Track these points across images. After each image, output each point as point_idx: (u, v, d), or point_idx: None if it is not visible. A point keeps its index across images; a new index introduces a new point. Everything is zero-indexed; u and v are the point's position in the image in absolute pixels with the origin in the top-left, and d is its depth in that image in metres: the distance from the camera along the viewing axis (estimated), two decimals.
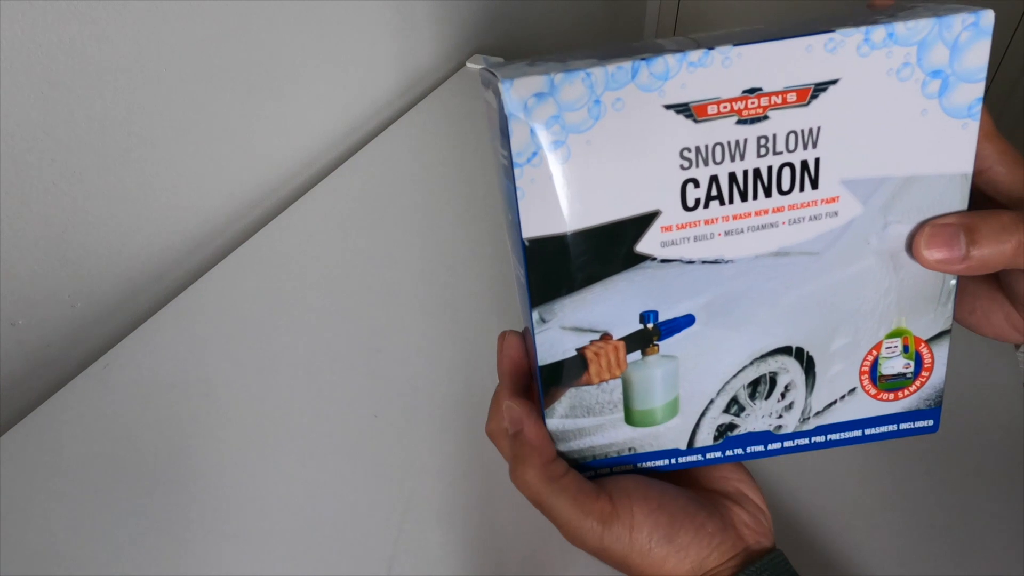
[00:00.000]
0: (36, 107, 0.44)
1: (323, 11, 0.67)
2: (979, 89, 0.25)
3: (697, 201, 0.26)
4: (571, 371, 0.29)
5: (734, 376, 0.29)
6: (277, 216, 0.63)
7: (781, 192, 0.26)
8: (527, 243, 0.26)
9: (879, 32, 0.24)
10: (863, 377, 0.30)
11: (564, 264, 0.26)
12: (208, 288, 0.55)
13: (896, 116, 0.25)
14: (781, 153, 0.25)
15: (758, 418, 0.30)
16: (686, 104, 0.25)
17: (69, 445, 0.43)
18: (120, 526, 0.38)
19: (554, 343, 0.28)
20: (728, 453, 0.31)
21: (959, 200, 0.26)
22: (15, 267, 0.45)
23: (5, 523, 0.38)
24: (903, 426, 0.31)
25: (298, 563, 0.37)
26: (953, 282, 0.28)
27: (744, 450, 0.31)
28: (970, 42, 0.24)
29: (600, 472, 0.31)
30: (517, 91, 0.24)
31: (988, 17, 0.24)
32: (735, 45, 0.24)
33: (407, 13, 0.80)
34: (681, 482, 0.31)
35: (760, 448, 0.31)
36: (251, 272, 0.57)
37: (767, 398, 0.30)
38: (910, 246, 0.27)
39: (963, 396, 0.43)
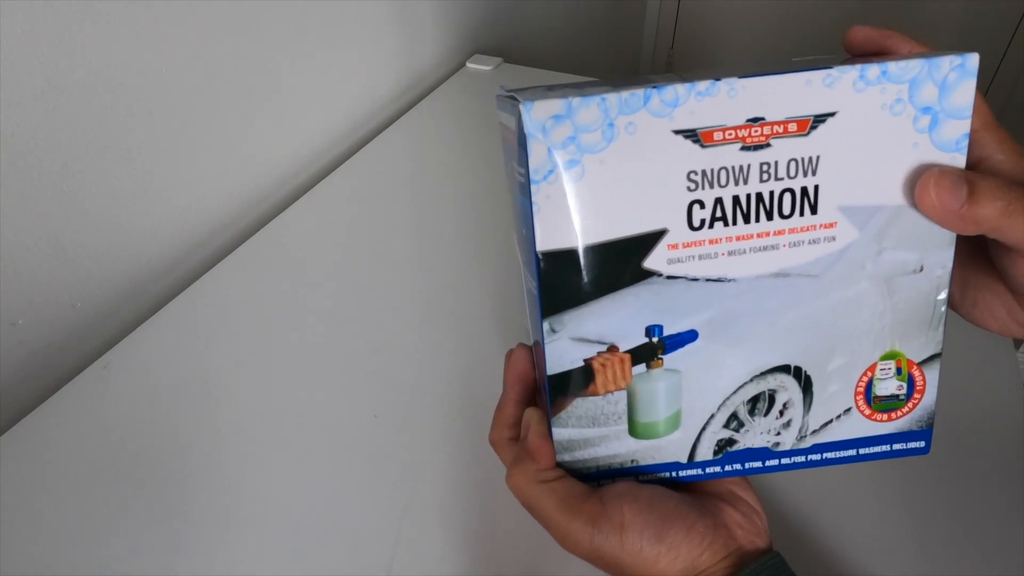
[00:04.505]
0: (36, 107, 0.44)
1: (324, 11, 0.67)
2: (966, 125, 0.26)
3: (702, 221, 0.27)
4: (578, 381, 0.29)
5: (734, 392, 0.30)
6: (277, 216, 0.64)
7: (782, 216, 0.27)
8: (540, 256, 0.27)
9: (873, 70, 0.26)
10: (858, 397, 0.31)
11: (575, 277, 0.28)
12: (208, 288, 0.55)
13: (890, 148, 0.27)
14: (782, 179, 0.27)
15: (757, 434, 0.31)
16: (694, 130, 0.26)
17: (69, 445, 0.43)
18: (120, 526, 0.38)
19: (563, 353, 0.29)
20: (727, 468, 0.32)
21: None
22: (15, 267, 0.45)
23: (5, 523, 0.38)
24: (896, 446, 0.32)
25: (298, 563, 0.37)
26: (943, 309, 0.29)
27: (743, 465, 0.32)
28: (957, 82, 0.26)
29: (603, 483, 0.31)
30: (536, 113, 0.25)
31: (973, 60, 0.26)
32: (740, 77, 0.25)
33: (408, 13, 0.80)
34: (674, 484, 0.32)
35: (758, 464, 0.32)
36: (251, 272, 0.57)
37: (766, 415, 0.31)
38: (910, 198, 0.27)
39: (963, 396, 0.43)
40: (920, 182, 0.27)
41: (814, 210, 0.27)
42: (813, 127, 0.26)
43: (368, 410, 0.45)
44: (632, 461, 0.31)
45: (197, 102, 0.56)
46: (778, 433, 0.31)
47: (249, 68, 0.60)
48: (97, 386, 0.47)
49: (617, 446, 0.31)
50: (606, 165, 0.26)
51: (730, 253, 0.28)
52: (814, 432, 0.31)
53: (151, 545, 0.38)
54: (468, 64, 0.93)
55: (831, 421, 0.31)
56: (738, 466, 0.32)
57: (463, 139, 0.76)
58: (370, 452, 0.43)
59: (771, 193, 0.27)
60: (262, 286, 0.56)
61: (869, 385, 0.30)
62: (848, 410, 0.31)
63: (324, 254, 0.59)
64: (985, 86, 1.63)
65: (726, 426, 0.31)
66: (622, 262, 0.27)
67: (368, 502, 0.40)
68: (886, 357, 0.30)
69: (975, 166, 0.28)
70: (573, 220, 0.27)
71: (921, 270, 0.28)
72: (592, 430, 0.30)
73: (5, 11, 0.41)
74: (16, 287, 0.46)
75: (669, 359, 0.29)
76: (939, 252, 0.28)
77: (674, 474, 0.32)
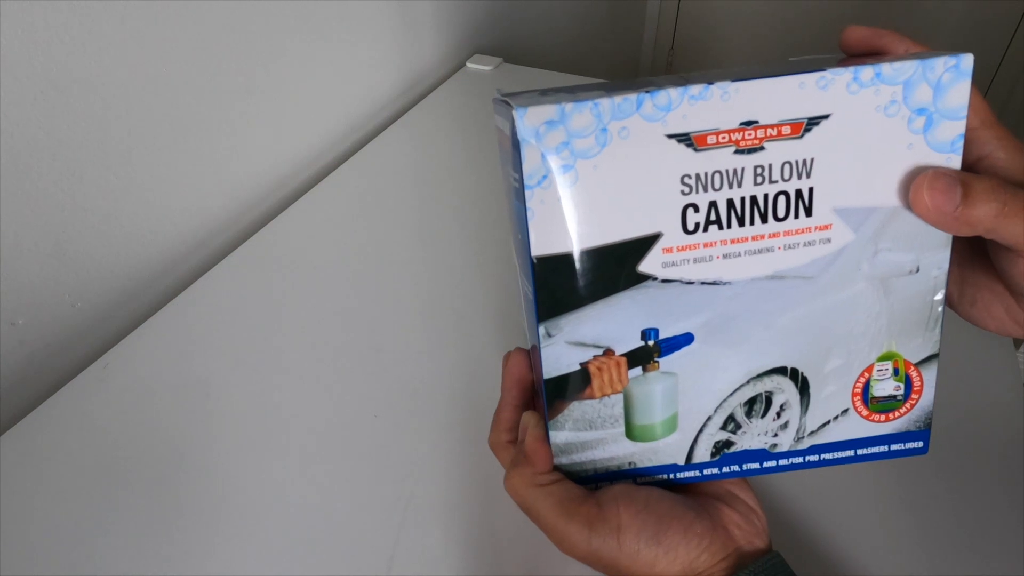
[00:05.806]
0: (36, 107, 0.44)
1: (324, 11, 0.67)
2: (961, 126, 0.26)
3: (697, 225, 0.27)
4: (575, 385, 0.29)
5: (731, 394, 0.30)
6: (277, 216, 0.64)
7: (776, 219, 0.27)
8: (535, 261, 0.27)
9: (867, 72, 0.26)
10: (855, 398, 0.31)
11: (570, 281, 0.28)
12: (208, 288, 0.55)
13: (884, 150, 0.26)
14: (776, 182, 0.27)
15: (754, 436, 0.31)
16: (687, 134, 0.26)
17: (69, 445, 0.43)
18: (119, 526, 0.38)
19: (559, 357, 0.29)
20: (725, 469, 0.32)
21: None
22: (15, 267, 0.45)
23: (5, 523, 0.38)
24: (894, 447, 0.32)
25: (298, 563, 0.37)
26: (940, 309, 0.29)
27: (740, 467, 0.32)
28: (952, 83, 0.26)
29: (601, 486, 0.31)
30: (530, 118, 0.25)
31: (968, 60, 0.26)
32: (733, 81, 0.25)
33: (408, 13, 0.80)
34: (672, 486, 0.32)
35: (756, 465, 0.32)
36: (251, 272, 0.57)
37: (763, 416, 0.31)
38: (906, 199, 0.27)
39: (963, 396, 0.43)
40: (914, 185, 0.27)
41: (809, 212, 0.27)
42: (807, 129, 0.26)
43: (368, 410, 0.45)
44: (630, 464, 0.31)
45: (197, 102, 0.56)
46: (775, 435, 0.31)
47: (249, 68, 0.60)
48: (96, 386, 0.47)
49: (614, 449, 0.31)
50: (600, 170, 0.26)
51: (725, 256, 0.28)
52: (812, 433, 0.31)
53: (150, 545, 0.38)
54: (468, 64, 0.93)
55: (829, 422, 0.31)
56: (736, 467, 0.32)
57: (463, 139, 0.77)
58: (370, 452, 0.43)
59: (765, 196, 0.27)
60: (262, 287, 0.56)
61: (866, 386, 0.30)
62: (845, 411, 0.31)
63: (324, 254, 0.59)
64: (985, 86, 1.63)
65: (723, 428, 0.31)
66: (617, 266, 0.27)
67: (368, 502, 0.40)
68: (883, 358, 0.30)
69: (975, 164, 0.27)
70: (568, 225, 0.27)
71: (917, 271, 0.28)
72: (589, 433, 0.30)
73: (5, 11, 0.41)
74: (16, 287, 0.46)
75: (665, 362, 0.29)
76: (935, 253, 0.28)
77: (672, 476, 0.32)
